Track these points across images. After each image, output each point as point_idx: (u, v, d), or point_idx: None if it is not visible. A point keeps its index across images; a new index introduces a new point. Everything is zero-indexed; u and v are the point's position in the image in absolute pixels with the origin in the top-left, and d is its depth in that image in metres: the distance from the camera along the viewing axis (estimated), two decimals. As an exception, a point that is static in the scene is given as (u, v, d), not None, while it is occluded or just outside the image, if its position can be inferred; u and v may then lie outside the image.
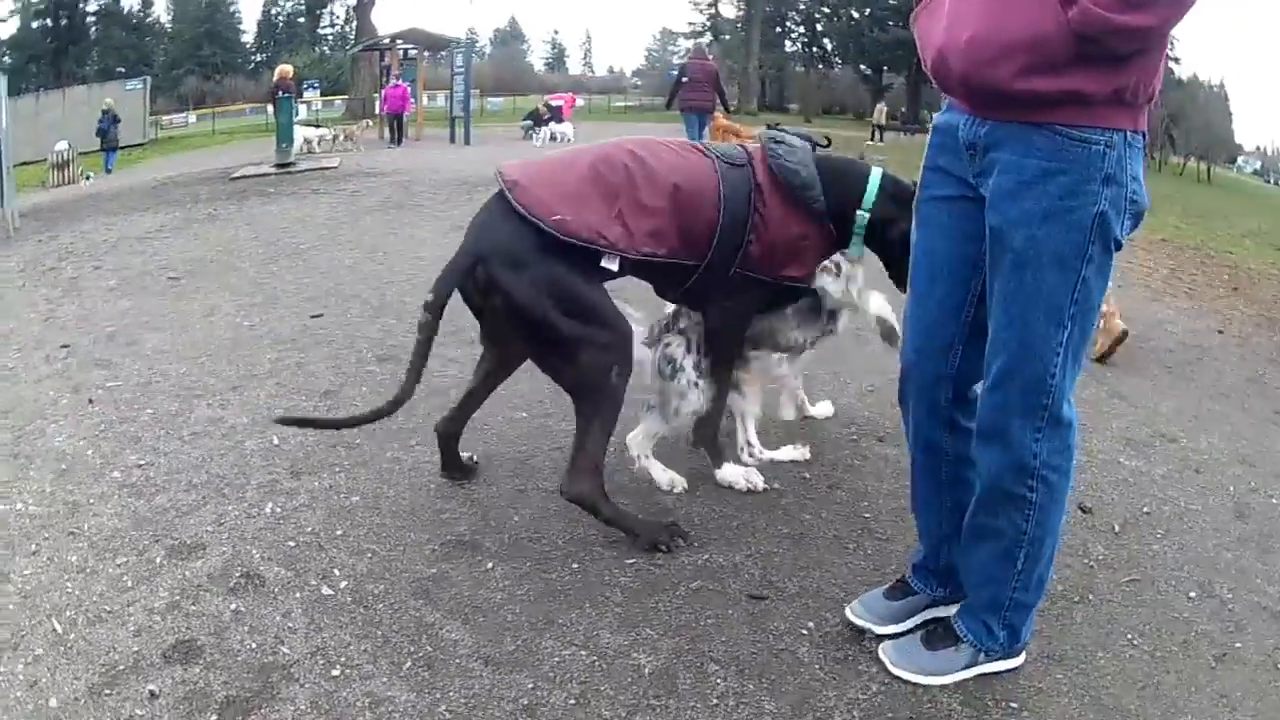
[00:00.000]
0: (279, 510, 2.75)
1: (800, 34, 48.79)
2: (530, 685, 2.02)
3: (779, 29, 46.92)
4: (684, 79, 11.69)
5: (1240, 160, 35.56)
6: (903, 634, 2.17)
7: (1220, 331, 6.61)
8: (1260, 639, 2.36)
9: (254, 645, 2.11)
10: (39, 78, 27.30)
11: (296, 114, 15.92)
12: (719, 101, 11.95)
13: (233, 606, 2.26)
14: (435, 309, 2.46)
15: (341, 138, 18.14)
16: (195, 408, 3.65)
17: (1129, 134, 1.72)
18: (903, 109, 36.50)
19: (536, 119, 22.03)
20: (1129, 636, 2.32)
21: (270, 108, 16.01)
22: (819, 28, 47.34)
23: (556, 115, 22.09)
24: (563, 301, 2.46)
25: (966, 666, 2.06)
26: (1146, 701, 2.05)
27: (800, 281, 2.87)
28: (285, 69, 15.60)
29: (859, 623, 2.21)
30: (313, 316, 5.00)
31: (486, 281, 2.44)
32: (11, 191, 10.16)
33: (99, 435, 3.45)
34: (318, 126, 19.02)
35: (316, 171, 12.45)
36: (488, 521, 2.73)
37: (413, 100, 21.07)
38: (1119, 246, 1.76)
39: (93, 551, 2.56)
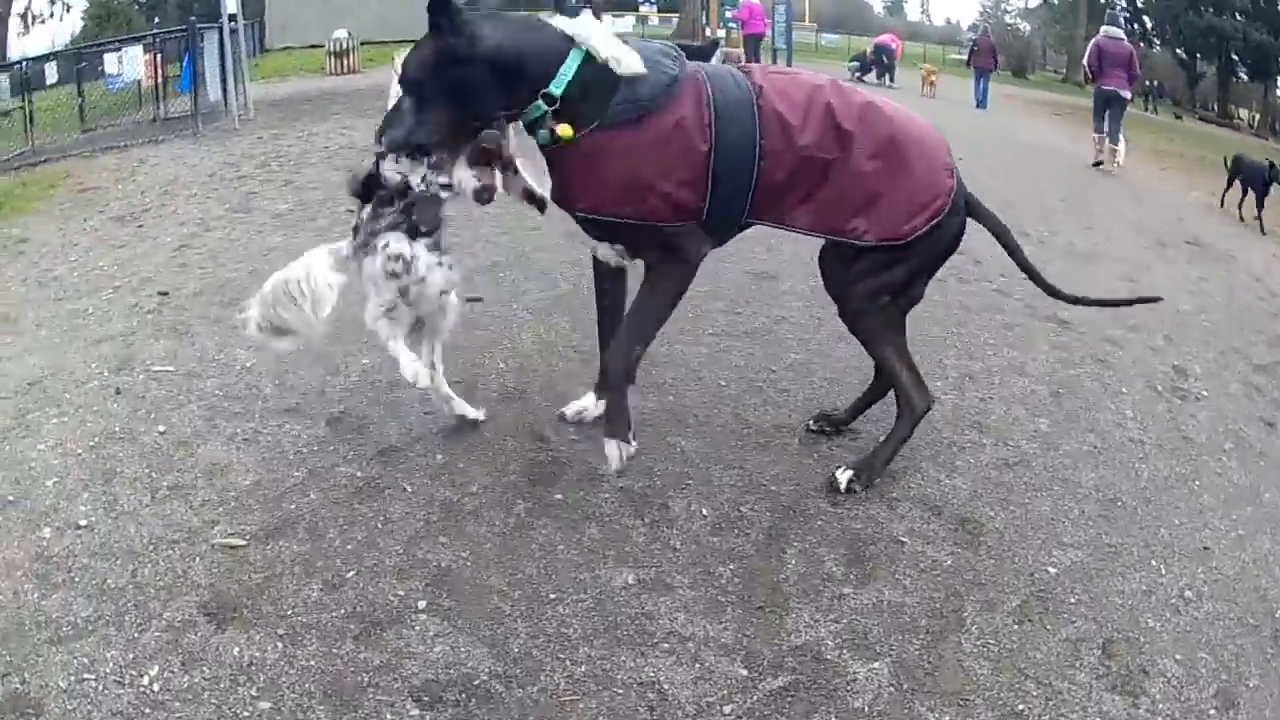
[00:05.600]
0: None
1: (1124, 7, 44.27)
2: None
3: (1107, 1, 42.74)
4: (975, 48, 18.42)
5: None
6: None
7: None
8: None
9: None
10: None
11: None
12: (995, 65, 18.40)
13: None
14: None
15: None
16: (207, 440, 2.82)
17: None
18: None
19: (864, 62, 19.45)
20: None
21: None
22: (1139, 3, 42.51)
23: (886, 58, 18.99)
24: None
25: None
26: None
27: None
28: None
29: None
30: (467, 300, 3.93)
31: None
32: (244, 83, 10.14)
33: (83, 452, 2.73)
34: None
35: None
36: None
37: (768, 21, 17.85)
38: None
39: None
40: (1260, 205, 9.46)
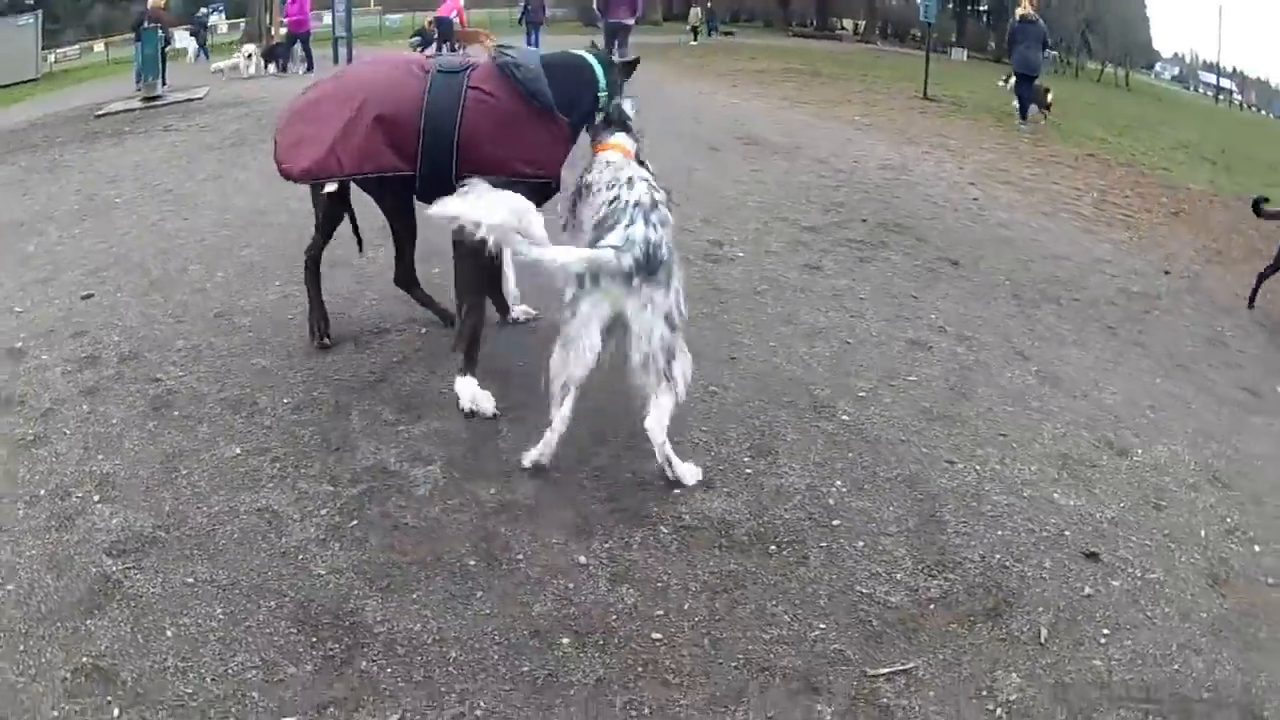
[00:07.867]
0: None
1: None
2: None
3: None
4: (528, 6, 19.53)
5: (1158, 66, 33.55)
6: None
7: (1166, 272, 6.08)
8: None
9: None
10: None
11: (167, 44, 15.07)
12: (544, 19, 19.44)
13: None
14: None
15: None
16: None
17: None
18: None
19: (425, 37, 19.44)
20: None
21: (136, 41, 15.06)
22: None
23: (446, 30, 18.80)
24: None
25: None
26: None
27: (541, 177, 3.21)
28: (156, 0, 14.74)
29: None
30: (83, 297, 4.72)
31: None
32: None
33: None
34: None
35: (181, 105, 11.80)
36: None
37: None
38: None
39: None
40: None
